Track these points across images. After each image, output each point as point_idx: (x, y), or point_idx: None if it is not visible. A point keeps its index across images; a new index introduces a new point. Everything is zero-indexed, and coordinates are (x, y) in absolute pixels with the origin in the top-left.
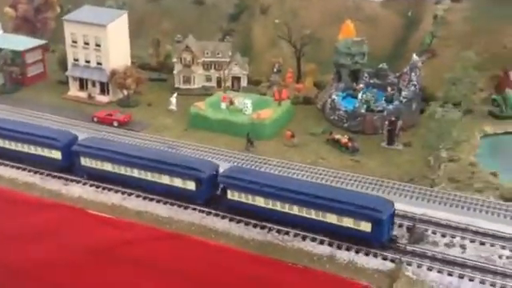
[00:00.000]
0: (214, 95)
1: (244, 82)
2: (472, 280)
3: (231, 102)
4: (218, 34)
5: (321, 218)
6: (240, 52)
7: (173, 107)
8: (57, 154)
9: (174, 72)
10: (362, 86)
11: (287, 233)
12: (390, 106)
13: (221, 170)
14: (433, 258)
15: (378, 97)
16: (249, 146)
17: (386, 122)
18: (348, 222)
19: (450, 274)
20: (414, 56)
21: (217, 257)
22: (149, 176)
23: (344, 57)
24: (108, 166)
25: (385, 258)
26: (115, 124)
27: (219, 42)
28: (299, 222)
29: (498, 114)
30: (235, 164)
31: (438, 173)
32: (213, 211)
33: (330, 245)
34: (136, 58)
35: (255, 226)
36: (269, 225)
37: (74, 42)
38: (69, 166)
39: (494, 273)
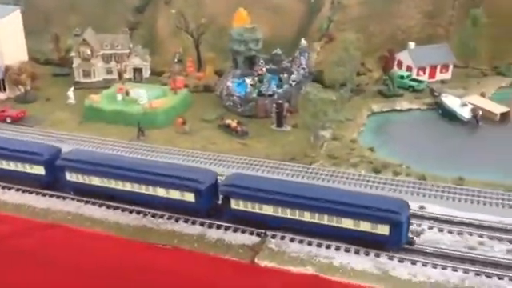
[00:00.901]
0: (111, 87)
1: (146, 73)
2: (328, 248)
3: (127, 93)
4: (124, 26)
5: (335, 224)
6: (146, 43)
7: (71, 101)
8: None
9: (74, 66)
10: (263, 69)
11: (162, 216)
12: (280, 90)
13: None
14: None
15: (270, 81)
16: (140, 135)
17: (274, 105)
18: (365, 227)
19: (309, 244)
20: (303, 40)
21: (91, 244)
22: (143, 189)
23: (238, 44)
24: (96, 181)
25: (252, 233)
26: (8, 120)
27: (118, 35)
28: (315, 229)
29: (386, 93)
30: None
31: (318, 151)
32: (90, 200)
33: (202, 224)
34: (40, 54)
35: (131, 211)
36: (144, 210)
37: None
38: (53, 182)
39: None
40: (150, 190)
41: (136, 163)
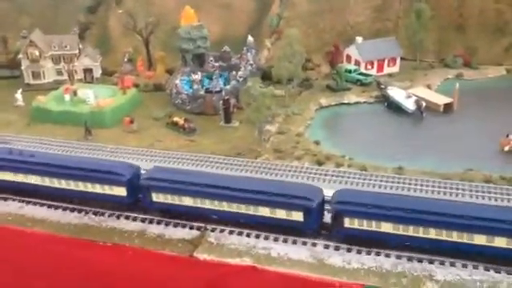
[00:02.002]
0: (59, 88)
1: (97, 74)
2: (267, 239)
3: (75, 94)
4: (75, 27)
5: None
6: (98, 43)
7: (20, 103)
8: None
9: (22, 68)
10: (215, 66)
11: (103, 214)
12: (228, 86)
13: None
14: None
15: (218, 78)
16: (87, 135)
17: (221, 102)
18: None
19: (247, 236)
20: (249, 37)
21: (31, 243)
22: (242, 209)
23: (186, 42)
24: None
25: (191, 228)
26: None
27: (65, 35)
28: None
29: (334, 87)
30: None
31: (264, 145)
32: (31, 200)
33: (143, 221)
34: None
35: (72, 210)
36: (86, 208)
37: None
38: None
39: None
40: (252, 210)
41: (232, 180)
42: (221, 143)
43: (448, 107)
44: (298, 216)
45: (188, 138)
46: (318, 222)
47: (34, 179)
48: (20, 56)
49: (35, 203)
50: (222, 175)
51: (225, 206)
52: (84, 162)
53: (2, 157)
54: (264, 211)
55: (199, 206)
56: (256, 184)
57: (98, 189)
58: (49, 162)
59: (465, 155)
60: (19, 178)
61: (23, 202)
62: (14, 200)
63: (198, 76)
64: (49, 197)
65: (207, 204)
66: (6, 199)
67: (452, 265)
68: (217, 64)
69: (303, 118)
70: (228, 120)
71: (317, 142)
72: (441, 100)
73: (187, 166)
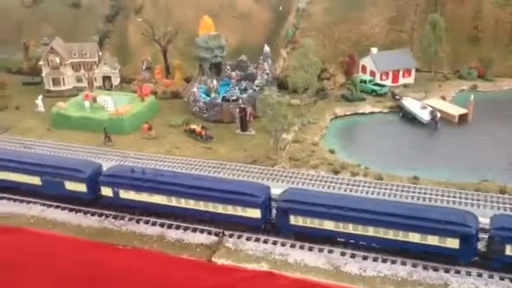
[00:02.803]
0: (79, 95)
1: (116, 81)
2: (284, 245)
3: (94, 100)
4: (95, 35)
5: None
6: (117, 52)
7: (41, 109)
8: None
9: (43, 74)
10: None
11: (122, 218)
12: (244, 95)
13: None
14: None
15: (235, 87)
16: (106, 141)
17: (237, 110)
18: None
19: (265, 242)
20: (266, 47)
21: (52, 245)
22: (390, 234)
23: (204, 51)
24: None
25: (210, 233)
26: None
27: (85, 43)
28: None
29: (349, 97)
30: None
31: (280, 153)
32: (52, 203)
33: (162, 225)
34: (12, 64)
35: (93, 214)
36: (106, 212)
37: None
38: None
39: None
40: (400, 236)
41: (378, 204)
42: (236, 150)
43: (463, 118)
44: (453, 243)
45: (205, 145)
46: (474, 250)
47: (159, 199)
48: (41, 63)
49: (56, 206)
50: (365, 198)
51: (370, 231)
52: (214, 182)
53: (124, 175)
54: (414, 237)
55: (341, 230)
56: (404, 208)
57: (230, 210)
58: (176, 182)
59: (479, 166)
60: (143, 197)
61: (45, 205)
62: (35, 203)
63: (214, 84)
64: (177, 216)
65: (350, 229)
66: (28, 202)
67: (468, 274)
68: (234, 73)
69: (318, 127)
70: (244, 128)
71: (332, 151)
72: (456, 111)
73: (204, 172)
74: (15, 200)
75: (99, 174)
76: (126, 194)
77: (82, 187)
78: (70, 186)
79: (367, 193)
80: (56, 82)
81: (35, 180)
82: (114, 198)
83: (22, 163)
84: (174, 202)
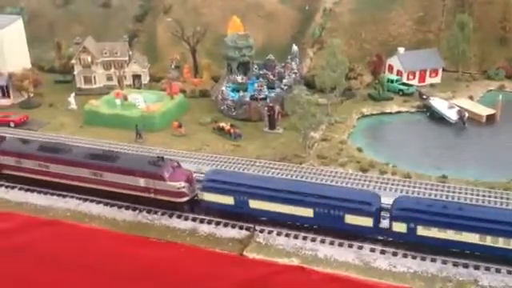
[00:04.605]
0: (110, 93)
1: (145, 80)
2: (314, 241)
3: (125, 98)
4: (125, 34)
5: None
6: (146, 51)
7: (73, 106)
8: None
9: (75, 73)
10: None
11: (156, 212)
12: (272, 94)
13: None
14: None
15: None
16: (138, 138)
17: (266, 108)
18: None
19: (295, 237)
20: (294, 46)
21: (88, 238)
22: None
23: (232, 50)
24: (451, 235)
25: (241, 228)
26: (12, 125)
27: (116, 42)
28: None
29: (376, 97)
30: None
31: (308, 151)
32: (88, 197)
33: (194, 220)
34: (45, 62)
35: (127, 208)
36: (139, 206)
37: None
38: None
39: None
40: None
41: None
42: (265, 148)
43: (491, 118)
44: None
45: (234, 142)
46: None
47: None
48: (73, 61)
49: (92, 200)
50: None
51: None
52: None
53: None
54: None
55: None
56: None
57: None
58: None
59: (508, 166)
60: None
61: (80, 199)
62: (72, 197)
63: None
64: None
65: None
66: (64, 196)
67: (497, 271)
68: (273, 76)
69: (346, 126)
70: (272, 126)
71: (360, 150)
72: (483, 111)
73: (235, 169)
74: (52, 194)
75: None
76: (427, 232)
77: (367, 221)
78: (352, 219)
79: (396, 191)
80: (87, 80)
81: (307, 212)
82: (409, 234)
83: (292, 193)
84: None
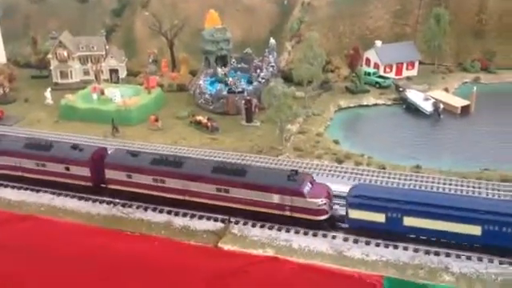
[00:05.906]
0: (87, 87)
1: (123, 74)
2: (288, 231)
3: (102, 93)
4: (102, 29)
5: None
6: (123, 45)
7: (49, 101)
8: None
9: (51, 68)
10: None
11: (130, 206)
12: (250, 87)
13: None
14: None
15: (241, 79)
16: (114, 132)
17: (243, 102)
18: None
19: (270, 228)
20: (272, 40)
21: (62, 232)
22: None
23: (210, 44)
24: None
25: (216, 220)
26: None
27: (92, 37)
28: None
29: (353, 90)
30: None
31: (285, 144)
32: (62, 192)
33: (169, 213)
34: (21, 57)
35: (101, 202)
36: (115, 200)
37: None
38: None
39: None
40: None
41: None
42: (242, 141)
43: (465, 110)
44: None
45: (211, 136)
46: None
47: None
48: (49, 56)
49: (66, 195)
50: None
51: None
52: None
53: None
54: None
55: None
56: None
57: None
58: None
59: (481, 156)
60: None
61: (54, 193)
62: (45, 192)
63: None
64: None
65: None
66: (38, 191)
67: (468, 258)
68: (239, 65)
69: (323, 118)
70: (249, 119)
71: (336, 142)
72: (458, 102)
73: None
74: (26, 188)
75: None
76: None
77: None
78: None
79: (370, 181)
80: (64, 75)
81: (474, 230)
82: None
83: (455, 209)
84: None
